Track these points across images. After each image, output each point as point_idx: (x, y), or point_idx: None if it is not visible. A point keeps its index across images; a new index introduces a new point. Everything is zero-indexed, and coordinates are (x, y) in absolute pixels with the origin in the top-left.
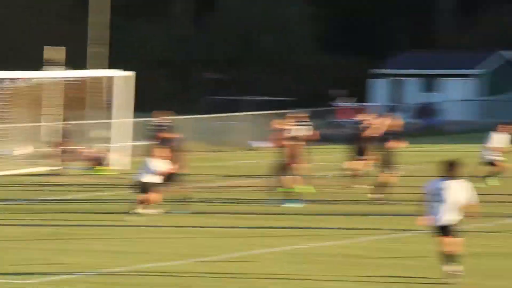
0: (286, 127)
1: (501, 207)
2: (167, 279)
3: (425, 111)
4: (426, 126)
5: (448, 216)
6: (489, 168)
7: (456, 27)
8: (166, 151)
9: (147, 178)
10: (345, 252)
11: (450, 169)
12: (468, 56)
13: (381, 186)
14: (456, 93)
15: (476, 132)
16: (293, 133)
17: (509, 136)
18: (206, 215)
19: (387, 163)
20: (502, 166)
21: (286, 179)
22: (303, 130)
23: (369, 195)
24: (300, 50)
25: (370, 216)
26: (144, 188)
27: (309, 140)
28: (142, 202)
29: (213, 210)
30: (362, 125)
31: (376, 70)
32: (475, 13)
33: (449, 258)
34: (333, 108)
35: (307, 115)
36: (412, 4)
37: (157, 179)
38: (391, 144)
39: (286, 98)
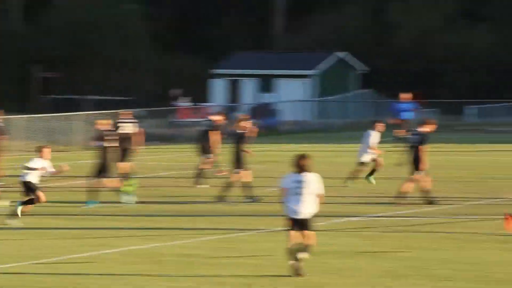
0: (109, 126)
1: (338, 206)
2: (6, 281)
3: (262, 111)
4: (263, 126)
5: (305, 209)
6: (370, 166)
7: (290, 28)
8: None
9: (31, 178)
10: (187, 252)
11: (302, 163)
12: (305, 57)
13: (232, 186)
14: (293, 94)
15: (310, 132)
16: (119, 131)
17: (380, 134)
18: (46, 216)
19: (238, 162)
20: (379, 163)
21: (110, 179)
22: (129, 128)
23: (240, 197)
24: (139, 49)
25: (212, 216)
26: (28, 188)
27: (135, 138)
28: (27, 202)
29: (53, 211)
30: (210, 125)
31: (215, 70)
32: (310, 14)
33: (302, 250)
34: (174, 108)
35: (131, 112)
36: (248, 4)
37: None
38: (245, 142)
39: (125, 98)
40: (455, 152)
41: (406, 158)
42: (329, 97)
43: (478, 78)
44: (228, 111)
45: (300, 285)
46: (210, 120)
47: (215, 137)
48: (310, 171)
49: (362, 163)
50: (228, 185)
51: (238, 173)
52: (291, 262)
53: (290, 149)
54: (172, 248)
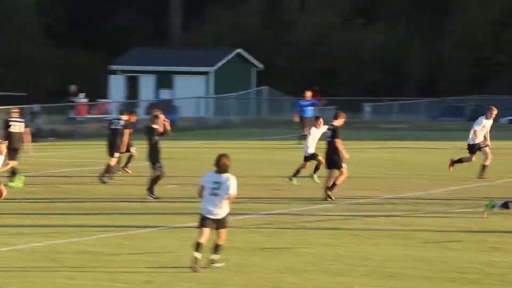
0: None
1: (240, 203)
2: None
3: (161, 107)
4: None
5: (220, 210)
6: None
7: (187, 24)
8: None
9: None
10: (85, 249)
11: (223, 163)
12: (204, 54)
13: (153, 182)
14: (192, 90)
15: (209, 128)
16: (9, 130)
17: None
18: None
19: (154, 157)
20: (320, 159)
21: None
22: (18, 126)
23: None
24: (35, 44)
25: (112, 214)
26: None
27: (25, 137)
28: None
29: None
30: (120, 123)
31: (113, 66)
32: (208, 10)
33: (213, 251)
34: (71, 104)
35: (19, 110)
36: None
37: None
38: (158, 139)
39: (20, 94)
40: (354, 149)
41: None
42: (227, 94)
43: (374, 76)
44: (127, 107)
45: (201, 281)
46: (119, 119)
47: (125, 136)
48: (229, 172)
49: (308, 158)
50: (154, 180)
51: (156, 168)
52: (196, 254)
53: (189, 146)
54: (70, 245)
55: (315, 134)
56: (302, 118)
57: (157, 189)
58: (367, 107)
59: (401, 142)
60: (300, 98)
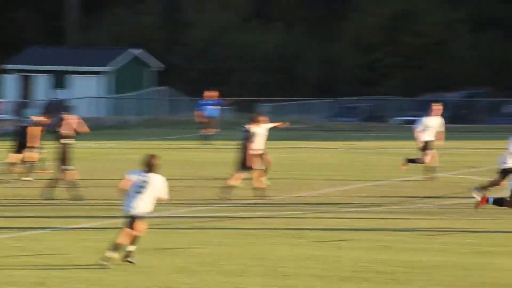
0: None
1: None
2: None
3: (56, 107)
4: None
5: (141, 207)
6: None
7: (84, 23)
8: None
9: None
10: None
11: (152, 162)
12: (100, 53)
13: (57, 184)
14: (87, 90)
15: (105, 128)
16: None
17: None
18: None
19: (63, 159)
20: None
21: None
22: None
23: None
24: None
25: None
26: None
27: None
28: None
29: None
30: (29, 122)
31: (6, 65)
32: (105, 9)
33: (130, 243)
34: None
35: None
36: None
37: None
38: (69, 140)
39: None
40: None
41: (236, 155)
42: (124, 94)
43: (270, 76)
44: (20, 107)
45: (94, 283)
46: (29, 117)
47: (36, 131)
48: (157, 172)
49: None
50: (53, 183)
51: (65, 170)
52: (109, 252)
53: (84, 146)
54: None
55: (260, 133)
56: (207, 118)
57: (49, 190)
58: (264, 107)
59: (297, 142)
60: (201, 98)
